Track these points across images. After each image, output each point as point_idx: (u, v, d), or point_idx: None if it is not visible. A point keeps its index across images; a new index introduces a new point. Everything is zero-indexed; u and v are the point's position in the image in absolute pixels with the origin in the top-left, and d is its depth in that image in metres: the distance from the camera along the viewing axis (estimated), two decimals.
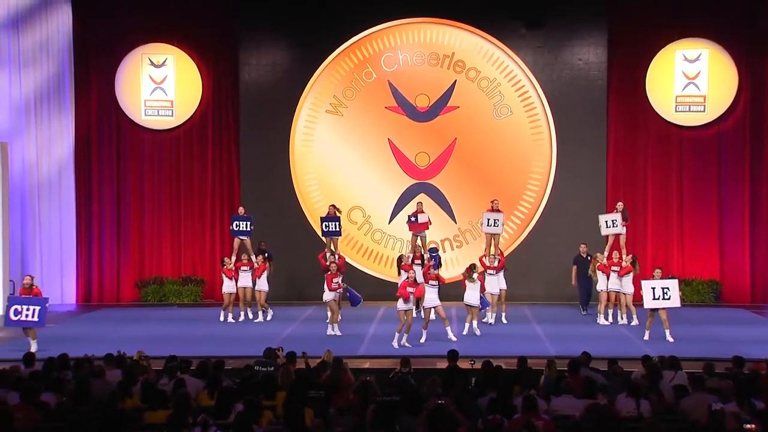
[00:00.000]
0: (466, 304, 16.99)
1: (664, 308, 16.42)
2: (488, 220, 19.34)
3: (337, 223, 19.48)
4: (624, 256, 18.45)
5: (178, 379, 10.56)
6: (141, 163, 22.35)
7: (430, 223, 19.62)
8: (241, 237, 19.40)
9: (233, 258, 19.10)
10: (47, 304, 16.39)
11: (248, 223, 19.37)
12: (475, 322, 16.92)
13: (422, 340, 16.16)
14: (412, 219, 19.41)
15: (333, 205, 19.77)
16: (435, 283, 16.48)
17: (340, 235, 19.81)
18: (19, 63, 21.71)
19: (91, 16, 22.03)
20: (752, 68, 21.51)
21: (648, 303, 16.56)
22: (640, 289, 16.66)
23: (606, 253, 18.71)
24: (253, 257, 18.90)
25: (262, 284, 18.71)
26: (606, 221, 19.12)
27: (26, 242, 21.85)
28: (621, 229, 19.08)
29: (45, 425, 9.18)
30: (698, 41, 21.62)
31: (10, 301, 16.45)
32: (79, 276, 22.16)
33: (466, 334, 16.73)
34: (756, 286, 21.57)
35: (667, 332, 16.35)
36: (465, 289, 17.00)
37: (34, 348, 15.43)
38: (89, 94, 22.16)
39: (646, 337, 16.41)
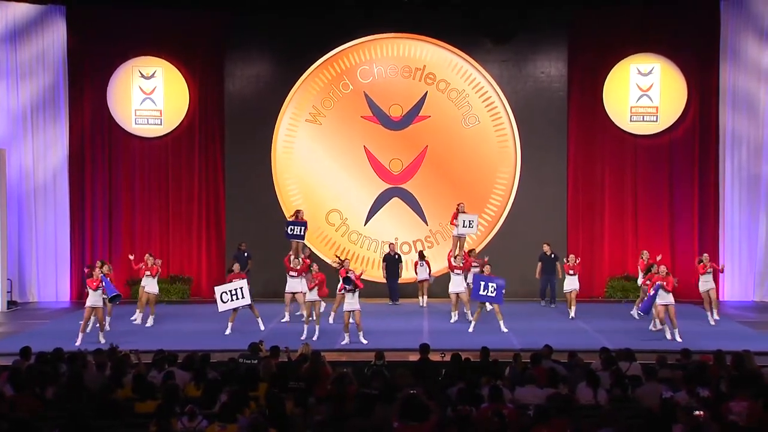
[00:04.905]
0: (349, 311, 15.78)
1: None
2: (464, 221, 19.05)
3: (303, 228, 18.90)
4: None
5: (168, 371, 10.51)
6: (131, 169, 22.24)
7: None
8: None
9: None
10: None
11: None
12: (361, 333, 15.68)
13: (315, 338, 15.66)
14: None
15: (301, 211, 19.58)
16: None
17: (303, 239, 19.12)
18: (17, 74, 21.55)
19: (85, 30, 21.88)
20: (700, 82, 21.71)
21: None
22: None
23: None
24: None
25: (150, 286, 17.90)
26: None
27: (23, 243, 21.70)
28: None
29: (44, 414, 9.13)
30: (651, 56, 21.82)
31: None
32: (72, 275, 21.98)
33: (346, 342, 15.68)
34: None
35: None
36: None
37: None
38: (83, 104, 22.01)
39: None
